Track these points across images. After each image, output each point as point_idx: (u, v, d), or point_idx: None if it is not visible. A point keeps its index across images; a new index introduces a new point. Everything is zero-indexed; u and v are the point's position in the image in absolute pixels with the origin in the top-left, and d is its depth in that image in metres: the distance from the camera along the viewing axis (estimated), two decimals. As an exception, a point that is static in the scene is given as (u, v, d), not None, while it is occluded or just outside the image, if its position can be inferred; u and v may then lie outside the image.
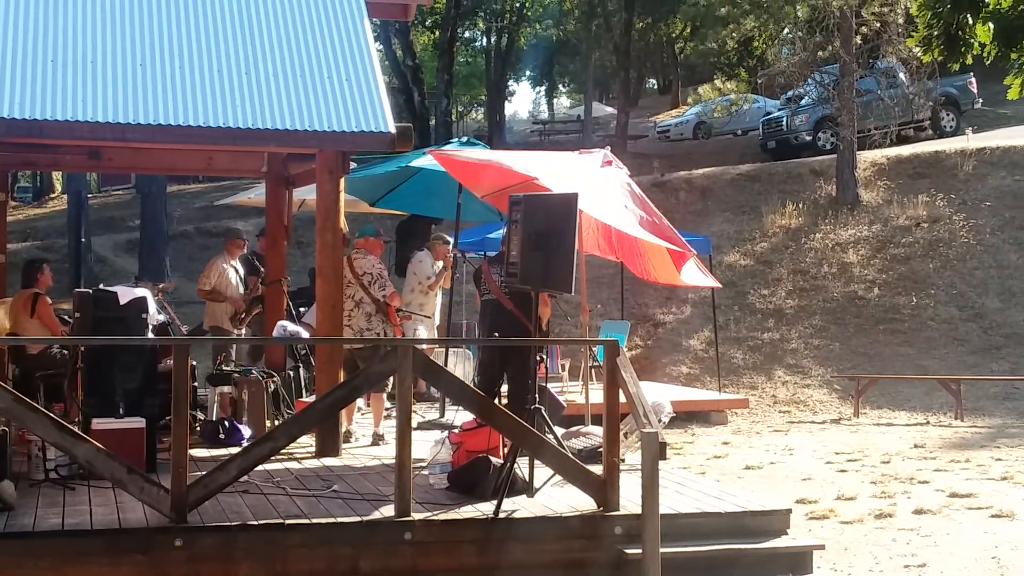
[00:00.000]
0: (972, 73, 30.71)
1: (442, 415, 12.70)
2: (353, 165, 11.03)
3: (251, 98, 9.50)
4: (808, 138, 31.84)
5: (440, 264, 14.08)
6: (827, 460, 13.95)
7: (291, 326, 11.62)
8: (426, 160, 12.44)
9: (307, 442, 10.05)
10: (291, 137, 9.51)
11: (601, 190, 10.49)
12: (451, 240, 13.92)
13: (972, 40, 8.66)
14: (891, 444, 15.08)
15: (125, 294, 9.95)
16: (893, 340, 21.53)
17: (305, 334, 11.72)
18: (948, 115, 32.28)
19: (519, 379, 10.03)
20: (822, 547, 8.41)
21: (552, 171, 10.47)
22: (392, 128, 9.62)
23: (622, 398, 8.12)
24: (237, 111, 9.34)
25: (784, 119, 32.88)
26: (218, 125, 9.21)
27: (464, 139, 15.53)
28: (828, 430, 16.94)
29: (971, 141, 28.19)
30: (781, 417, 18.42)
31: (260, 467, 8.02)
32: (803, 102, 32.12)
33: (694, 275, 11.44)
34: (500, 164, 11.04)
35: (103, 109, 9.02)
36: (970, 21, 8.56)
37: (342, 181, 10.15)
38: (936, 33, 8.77)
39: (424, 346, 8.86)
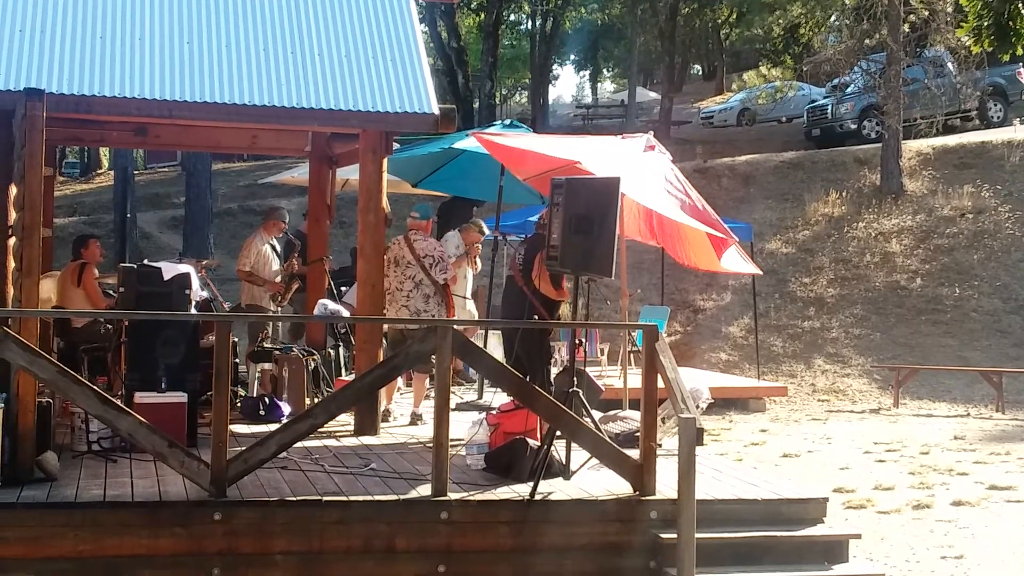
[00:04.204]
0: (1021, 63, 30.38)
1: (480, 396, 12.74)
2: (396, 146, 11.05)
3: (296, 77, 9.55)
4: (853, 126, 31.58)
5: (461, 250, 13.46)
6: (865, 450, 13.89)
7: (332, 305, 11.68)
8: (469, 142, 12.43)
9: (346, 420, 10.10)
10: (335, 117, 9.57)
11: (643, 175, 10.48)
12: (487, 230, 13.76)
13: (1023, 30, 8.59)
14: (930, 435, 15.00)
15: (169, 270, 10.03)
16: (935, 331, 21.38)
17: (346, 313, 11.79)
18: (996, 105, 31.94)
19: (527, 358, 10.08)
20: (858, 536, 8.37)
21: (595, 155, 10.46)
22: (436, 110, 9.65)
23: (660, 383, 8.12)
24: (282, 90, 9.40)
25: (829, 107, 32.65)
26: (263, 104, 9.27)
27: (507, 121, 15.51)
28: (867, 420, 16.86)
29: (1018, 132, 27.88)
30: (820, 406, 18.35)
31: (299, 444, 8.08)
32: (849, 90, 31.88)
33: (735, 262, 11.42)
34: (543, 148, 11.04)
35: (150, 86, 9.10)
36: (1021, 11, 8.49)
37: (385, 162, 10.17)
38: (987, 24, 8.70)
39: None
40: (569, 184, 8.80)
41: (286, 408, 10.79)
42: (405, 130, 10.50)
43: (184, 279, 9.96)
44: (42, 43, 9.15)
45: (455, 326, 7.95)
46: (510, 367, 8.71)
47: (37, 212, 7.96)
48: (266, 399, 10.91)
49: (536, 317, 9.97)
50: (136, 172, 32.88)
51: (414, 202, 14.21)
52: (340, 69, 9.74)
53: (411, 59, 10.01)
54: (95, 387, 7.67)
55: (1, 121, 8.96)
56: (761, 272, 14.02)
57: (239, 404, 10.99)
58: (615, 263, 8.52)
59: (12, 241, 8.63)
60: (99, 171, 42.23)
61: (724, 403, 16.47)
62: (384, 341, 10.86)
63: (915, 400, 18.47)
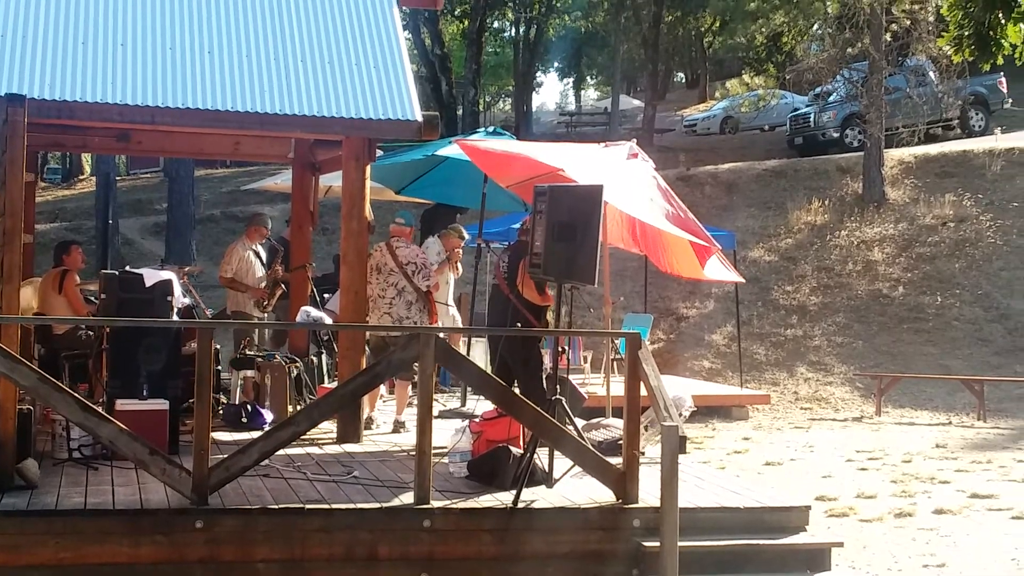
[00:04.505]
0: (1002, 72, 30.54)
1: (463, 404, 12.72)
2: (379, 152, 11.05)
3: (279, 84, 9.54)
4: (835, 135, 31.67)
5: (443, 256, 13.53)
6: (848, 458, 13.91)
7: (314, 312, 11.65)
8: (452, 149, 12.44)
9: (328, 428, 10.09)
10: (318, 123, 9.55)
11: (626, 183, 10.49)
12: (467, 235, 13.78)
13: (1003, 40, 8.62)
14: (912, 443, 15.03)
15: (151, 276, 9.99)
16: (917, 339, 21.44)
17: (328, 320, 11.76)
18: (977, 114, 32.09)
19: (513, 365, 10.07)
20: (841, 544, 8.39)
21: (578, 163, 10.46)
22: (419, 116, 9.64)
23: (643, 391, 8.12)
24: (265, 96, 9.38)
25: (812, 115, 32.75)
26: (246, 110, 9.25)
27: (491, 129, 15.52)
28: (849, 428, 16.89)
29: (1000, 141, 28.01)
30: (802, 414, 18.38)
31: (281, 451, 8.06)
32: (831, 99, 31.98)
33: (718, 270, 11.43)
34: (526, 155, 11.04)
35: (132, 91, 9.07)
36: (1002, 21, 8.51)
37: (368, 168, 10.17)
38: (967, 33, 8.73)
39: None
40: (552, 191, 8.80)
41: (268, 415, 10.76)
42: (388, 137, 10.50)
43: (166, 286, 9.93)
44: (23, 48, 9.11)
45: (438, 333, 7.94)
46: (493, 375, 8.71)
47: (18, 218, 7.92)
48: (248, 406, 10.88)
49: (522, 323, 9.96)
50: (118, 178, 32.79)
51: (397, 209, 14.20)
52: (323, 76, 9.73)
53: (394, 66, 10.00)
54: (76, 394, 7.63)
55: (-18, 127, 8.92)
56: (744, 280, 14.07)
57: (221, 411, 10.96)
58: (598, 271, 8.52)
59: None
60: (81, 177, 42.06)
61: (707, 411, 16.48)
62: (367, 348, 10.84)
63: (897, 408, 18.51)
